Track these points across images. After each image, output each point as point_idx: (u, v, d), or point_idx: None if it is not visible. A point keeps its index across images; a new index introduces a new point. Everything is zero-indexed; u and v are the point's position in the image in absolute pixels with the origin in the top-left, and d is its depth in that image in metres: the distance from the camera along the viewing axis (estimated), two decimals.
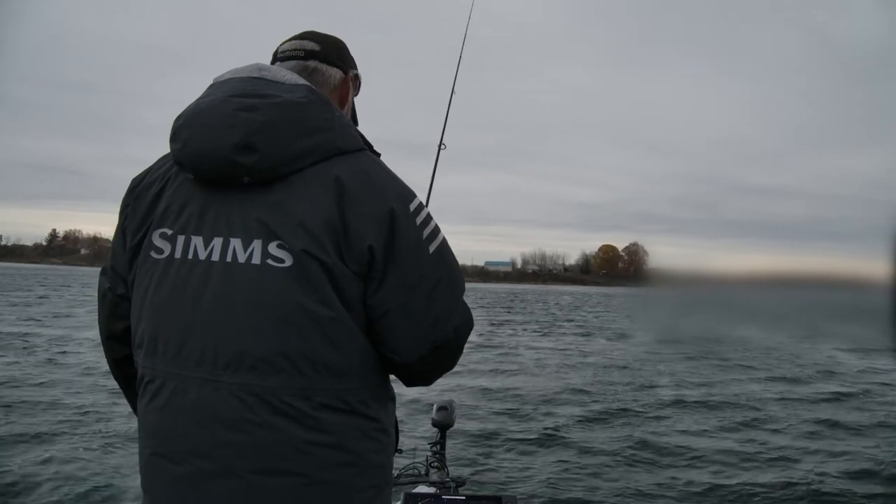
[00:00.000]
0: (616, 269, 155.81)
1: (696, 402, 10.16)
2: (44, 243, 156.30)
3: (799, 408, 9.97)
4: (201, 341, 1.17)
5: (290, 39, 1.43)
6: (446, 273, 1.27)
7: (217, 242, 1.18)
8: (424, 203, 1.32)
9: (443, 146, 2.30)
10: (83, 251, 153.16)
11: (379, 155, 1.33)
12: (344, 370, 1.18)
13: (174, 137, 1.24)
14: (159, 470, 1.20)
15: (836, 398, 10.91)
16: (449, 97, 2.42)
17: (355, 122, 1.51)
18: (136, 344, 1.27)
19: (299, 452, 1.14)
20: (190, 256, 1.19)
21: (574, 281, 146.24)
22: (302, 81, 1.27)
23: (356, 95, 1.52)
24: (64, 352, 13.14)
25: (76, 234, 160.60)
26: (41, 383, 9.76)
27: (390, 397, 1.32)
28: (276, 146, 1.16)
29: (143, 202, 1.28)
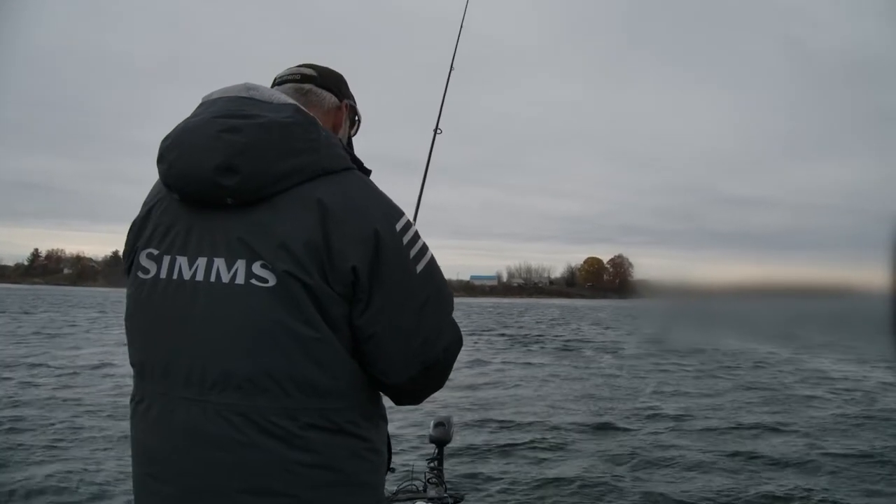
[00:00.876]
0: (601, 281, 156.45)
1: (687, 415, 10.19)
2: (25, 263, 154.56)
3: (774, 416, 10.04)
4: (188, 362, 1.16)
5: (290, 67, 1.46)
6: (434, 292, 1.27)
7: (201, 262, 1.18)
8: (415, 208, 1.33)
9: (438, 130, 2.26)
10: (66, 271, 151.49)
11: (370, 172, 1.34)
12: (330, 390, 1.18)
13: (161, 159, 1.23)
14: (150, 490, 1.20)
15: (813, 403, 11.00)
16: (447, 77, 2.34)
17: (335, 131, 1.49)
18: (131, 364, 1.28)
19: (287, 472, 1.14)
20: (175, 277, 1.20)
21: (560, 294, 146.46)
22: (290, 101, 1.27)
23: (354, 134, 1.55)
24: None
25: (59, 254, 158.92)
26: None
27: (381, 416, 1.31)
28: (258, 168, 1.16)
29: (136, 224, 1.29)
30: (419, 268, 1.24)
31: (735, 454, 7.67)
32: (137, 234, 1.28)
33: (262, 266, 1.15)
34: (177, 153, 1.20)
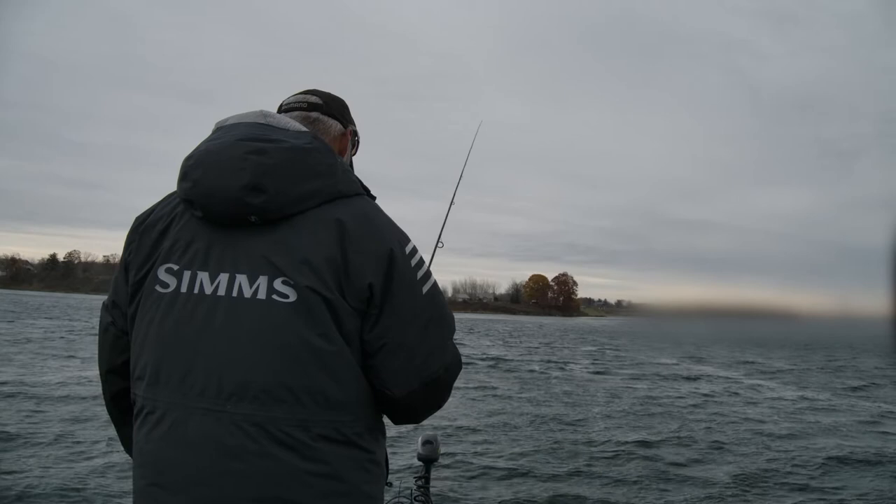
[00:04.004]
0: (545, 298, 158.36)
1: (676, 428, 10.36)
2: None
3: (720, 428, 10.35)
4: (205, 372, 1.19)
5: (295, 94, 1.53)
6: (437, 314, 1.34)
7: (223, 278, 1.22)
8: (431, 255, 1.38)
9: (440, 245, 2.39)
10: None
11: (374, 198, 1.40)
12: (342, 402, 1.22)
13: (184, 177, 1.28)
14: (156, 500, 1.19)
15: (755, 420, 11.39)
16: (448, 206, 2.52)
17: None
18: (135, 376, 1.28)
19: (297, 482, 1.16)
20: (196, 291, 1.23)
21: (504, 310, 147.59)
22: (305, 129, 1.34)
23: (354, 154, 1.62)
24: None
25: None
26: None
27: (381, 431, 1.36)
28: (283, 188, 1.22)
29: (149, 238, 1.32)
30: (425, 289, 1.31)
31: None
32: (153, 249, 1.30)
33: (284, 283, 1.20)
34: (202, 172, 1.25)
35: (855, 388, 17.54)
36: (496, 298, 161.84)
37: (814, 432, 10.86)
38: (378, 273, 1.24)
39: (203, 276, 1.23)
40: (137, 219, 1.37)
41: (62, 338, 23.83)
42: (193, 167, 1.27)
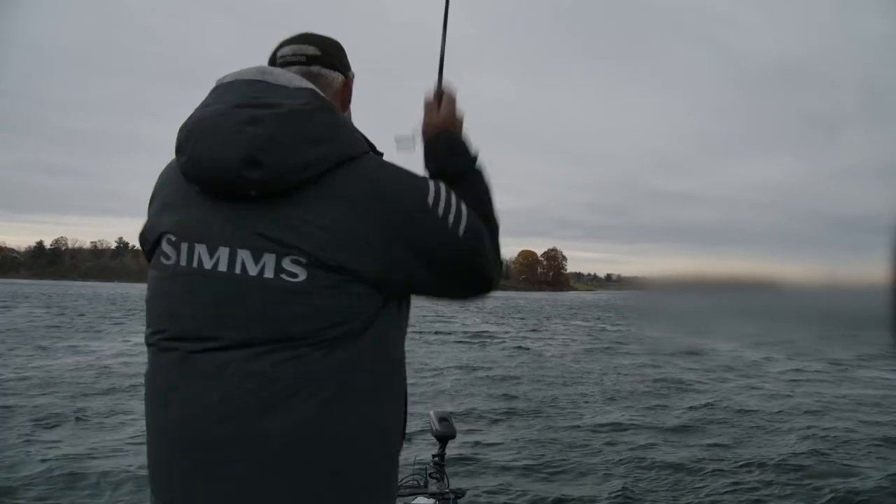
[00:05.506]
0: (535, 273, 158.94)
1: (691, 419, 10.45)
2: None
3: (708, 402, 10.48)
4: (209, 340, 1.16)
5: (288, 42, 1.40)
6: (477, 244, 1.28)
7: (223, 252, 1.16)
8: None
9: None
10: None
11: (382, 154, 1.33)
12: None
13: (180, 149, 1.21)
14: (165, 461, 1.20)
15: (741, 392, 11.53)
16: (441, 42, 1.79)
17: (344, 108, 1.46)
18: (147, 343, 1.26)
19: (309, 445, 1.15)
20: (195, 265, 1.18)
21: None
22: (306, 84, 1.25)
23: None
24: None
25: None
26: None
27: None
28: (281, 159, 1.13)
29: (154, 208, 1.28)
30: (461, 230, 1.24)
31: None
32: (157, 219, 1.26)
33: (293, 262, 1.13)
34: (195, 145, 1.17)
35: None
36: None
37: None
38: (399, 238, 1.18)
39: (201, 249, 1.17)
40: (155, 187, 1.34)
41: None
42: (187, 139, 1.19)
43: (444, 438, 2.60)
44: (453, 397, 10.85)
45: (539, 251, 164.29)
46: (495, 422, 9.21)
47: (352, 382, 1.18)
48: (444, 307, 39.96)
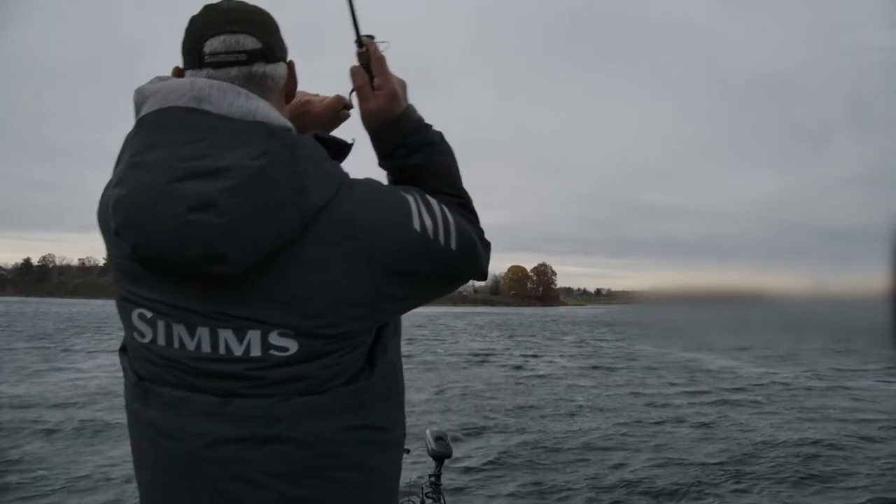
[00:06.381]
0: (525, 289, 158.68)
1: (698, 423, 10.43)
2: None
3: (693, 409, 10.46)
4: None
5: (216, 32, 1.08)
6: (472, 250, 1.22)
7: (204, 333, 1.04)
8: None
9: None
10: None
11: (351, 145, 1.22)
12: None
13: (118, 234, 1.01)
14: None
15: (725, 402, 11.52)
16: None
17: (291, 97, 1.22)
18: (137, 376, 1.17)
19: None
20: (176, 346, 1.06)
21: (485, 302, 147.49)
22: (253, 111, 1.03)
23: None
24: None
25: None
26: None
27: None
28: (246, 245, 0.98)
29: (112, 259, 1.13)
30: (454, 245, 1.16)
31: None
32: (124, 286, 1.11)
33: (281, 335, 1.03)
34: (138, 236, 0.99)
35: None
36: (476, 291, 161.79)
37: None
38: (387, 280, 1.09)
39: (180, 330, 1.05)
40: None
41: None
42: (126, 227, 0.99)
43: (440, 457, 2.54)
44: (449, 416, 10.78)
45: (528, 266, 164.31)
46: (492, 440, 9.13)
47: (362, 412, 1.13)
48: (443, 328, 39.85)
